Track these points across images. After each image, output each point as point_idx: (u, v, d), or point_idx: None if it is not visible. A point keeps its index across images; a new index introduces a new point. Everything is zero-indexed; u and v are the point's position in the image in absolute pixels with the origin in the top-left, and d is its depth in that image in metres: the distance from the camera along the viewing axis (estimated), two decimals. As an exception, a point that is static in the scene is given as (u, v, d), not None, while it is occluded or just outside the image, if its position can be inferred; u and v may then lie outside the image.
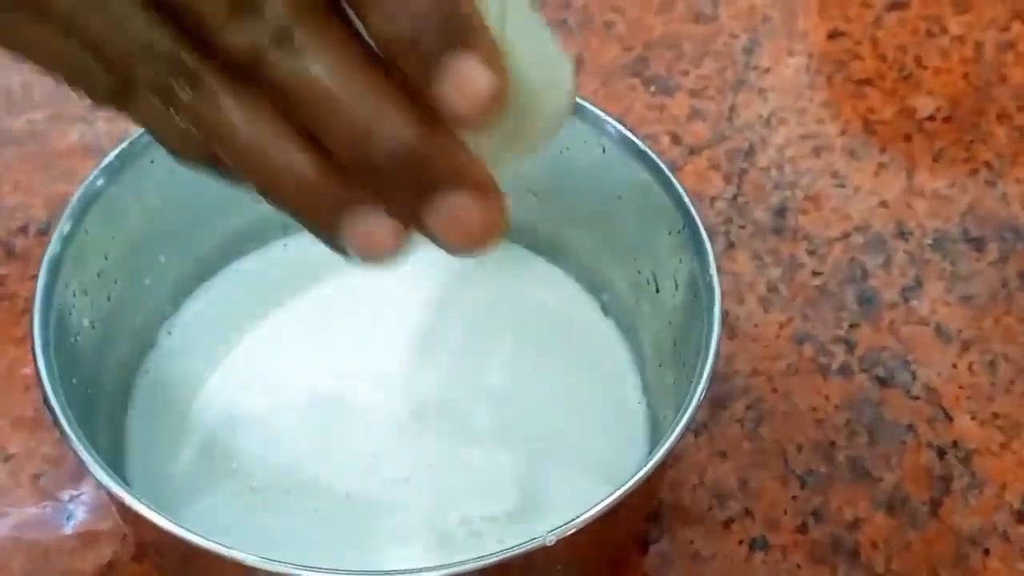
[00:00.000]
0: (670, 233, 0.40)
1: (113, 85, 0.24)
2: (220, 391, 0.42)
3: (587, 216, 0.45)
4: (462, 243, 0.27)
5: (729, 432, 0.45)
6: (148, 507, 0.32)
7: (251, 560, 0.31)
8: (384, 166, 0.25)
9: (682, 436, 0.36)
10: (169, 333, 0.44)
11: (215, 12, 0.23)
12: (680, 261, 0.40)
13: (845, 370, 0.47)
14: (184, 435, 0.41)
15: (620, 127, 0.42)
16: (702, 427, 0.45)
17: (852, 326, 0.48)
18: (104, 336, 0.40)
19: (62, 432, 0.33)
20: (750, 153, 0.54)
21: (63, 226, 0.37)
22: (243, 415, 0.41)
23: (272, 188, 0.25)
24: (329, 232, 0.26)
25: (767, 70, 0.58)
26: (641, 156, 0.41)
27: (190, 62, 0.24)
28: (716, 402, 0.45)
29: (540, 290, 0.46)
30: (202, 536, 0.31)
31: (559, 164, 0.44)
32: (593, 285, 0.46)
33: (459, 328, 0.45)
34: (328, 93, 0.24)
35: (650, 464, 0.35)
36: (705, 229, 0.50)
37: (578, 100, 0.42)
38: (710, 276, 0.38)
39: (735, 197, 0.53)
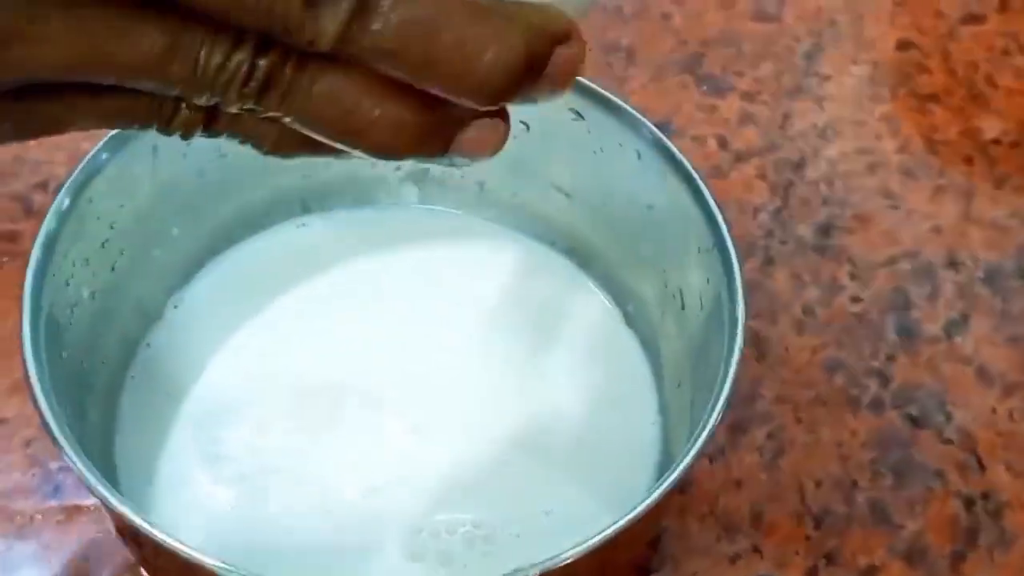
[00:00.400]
0: (699, 251, 0.38)
1: (195, 117, 0.23)
2: (219, 371, 0.41)
3: (617, 222, 0.43)
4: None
5: (746, 460, 0.42)
6: (118, 502, 0.31)
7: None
8: (504, 78, 0.23)
9: (691, 466, 0.34)
10: (175, 307, 0.43)
11: (291, 13, 0.21)
12: (707, 281, 0.38)
13: (876, 405, 0.44)
14: (177, 413, 0.40)
15: (657, 132, 0.39)
16: (719, 453, 0.42)
17: (889, 358, 0.46)
18: (105, 307, 0.39)
19: (41, 418, 0.32)
20: (800, 165, 0.52)
21: (61, 200, 0.35)
22: (237, 399, 0.40)
23: (385, 147, 0.24)
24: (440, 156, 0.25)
25: (828, 77, 0.55)
26: (676, 165, 0.39)
27: (277, 68, 0.22)
28: (736, 427, 0.43)
29: (563, 293, 0.44)
30: (171, 539, 0.30)
31: (593, 166, 0.42)
32: (619, 294, 0.44)
33: (473, 326, 0.43)
34: (427, 37, 0.23)
35: (654, 496, 0.33)
36: (744, 242, 0.48)
37: (616, 99, 0.40)
38: (736, 302, 0.36)
39: (779, 210, 0.50)
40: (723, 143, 0.52)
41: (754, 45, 0.56)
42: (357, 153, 0.25)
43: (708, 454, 0.42)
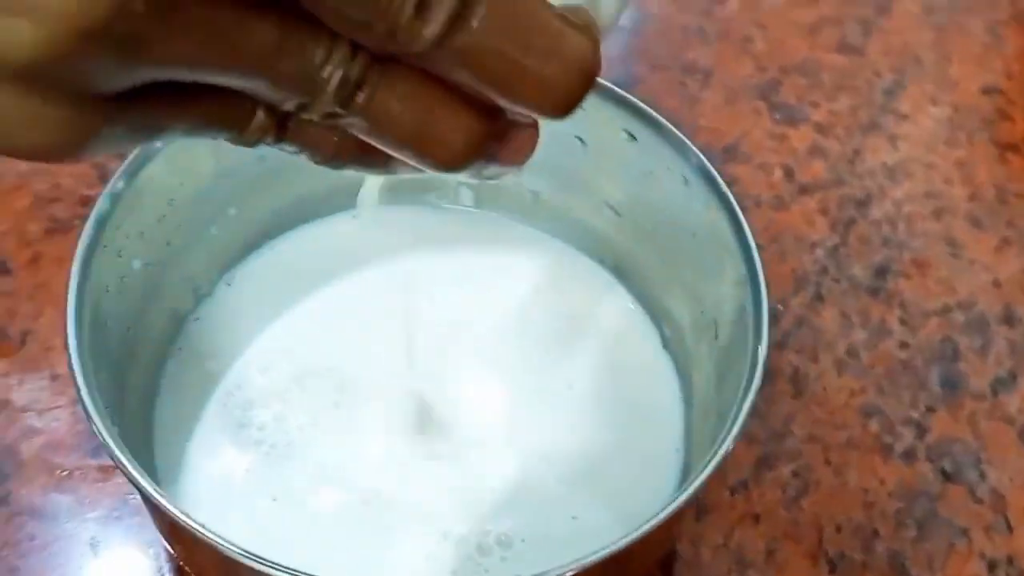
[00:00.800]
0: (735, 282, 0.38)
1: (269, 123, 0.23)
2: (261, 350, 0.42)
3: (662, 245, 0.43)
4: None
5: (768, 496, 0.42)
6: (156, 492, 0.32)
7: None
8: (582, 90, 0.24)
9: (702, 488, 0.34)
10: (228, 284, 0.44)
11: (401, 16, 0.21)
12: (739, 314, 0.38)
13: (909, 455, 0.44)
14: (216, 386, 0.41)
15: (703, 159, 0.39)
16: (741, 486, 0.42)
17: (929, 409, 0.45)
18: (157, 279, 0.41)
19: (78, 393, 0.33)
20: (865, 203, 0.51)
21: (116, 183, 0.37)
22: (273, 380, 0.41)
23: (449, 154, 0.24)
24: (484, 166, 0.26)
25: (905, 116, 0.54)
26: (719, 194, 0.39)
27: (368, 71, 0.23)
28: (763, 461, 0.43)
29: (602, 309, 0.45)
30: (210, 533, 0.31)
31: (643, 187, 0.42)
32: (659, 316, 0.44)
33: (512, 334, 0.43)
34: (517, 50, 0.23)
35: (661, 515, 0.33)
36: (796, 276, 0.48)
37: (666, 123, 0.40)
38: (760, 339, 0.36)
39: (837, 247, 0.50)
40: (789, 173, 0.52)
41: (834, 76, 0.56)
42: (412, 163, 0.25)
43: (730, 486, 0.42)
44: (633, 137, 0.41)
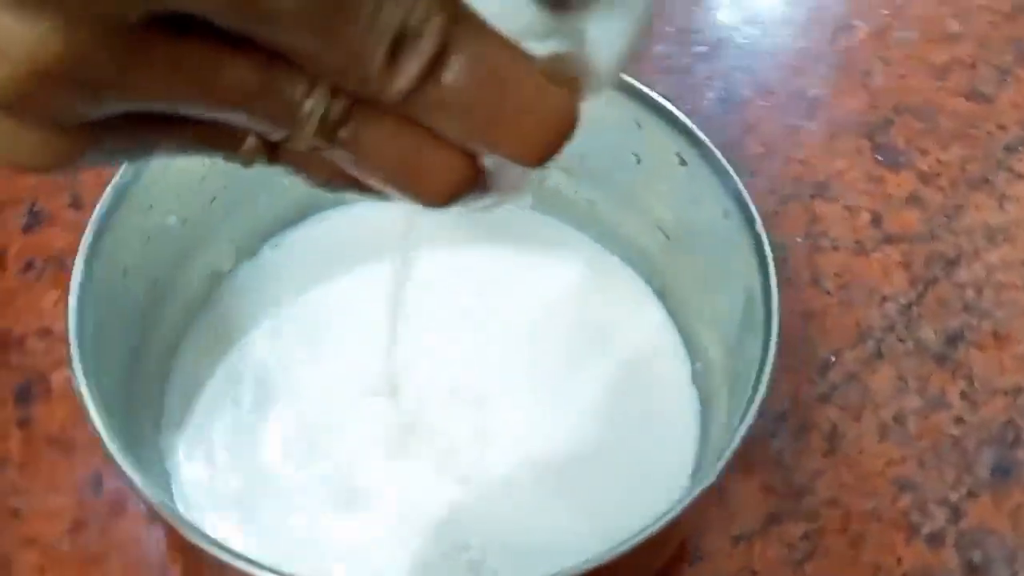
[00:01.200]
0: (755, 330, 0.36)
1: (260, 147, 0.24)
2: (290, 316, 0.43)
3: (705, 276, 0.41)
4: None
5: (771, 553, 0.40)
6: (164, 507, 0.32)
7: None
8: (558, 144, 0.24)
9: (675, 519, 0.32)
10: (274, 247, 0.45)
11: (370, 69, 0.22)
12: (748, 367, 0.36)
13: (936, 539, 0.41)
14: (242, 346, 0.42)
15: (743, 192, 0.38)
16: (745, 537, 0.40)
17: (971, 494, 0.42)
18: (196, 235, 0.41)
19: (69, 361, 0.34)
20: (954, 262, 0.48)
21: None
22: (292, 355, 0.42)
23: (436, 193, 0.25)
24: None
25: (1021, 176, 0.51)
26: (754, 236, 0.37)
27: (347, 112, 0.23)
28: (775, 516, 0.41)
29: (644, 334, 0.43)
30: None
31: (692, 214, 0.41)
32: (693, 348, 0.42)
33: (536, 334, 0.43)
34: (490, 104, 0.23)
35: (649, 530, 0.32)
36: (857, 330, 0.46)
37: (712, 148, 0.39)
38: (758, 389, 0.34)
39: (911, 306, 0.47)
40: (877, 220, 0.49)
41: (952, 123, 0.52)
42: (403, 198, 0.25)
43: (733, 535, 0.40)
44: (684, 161, 0.40)
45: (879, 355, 0.45)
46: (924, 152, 0.51)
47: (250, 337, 0.43)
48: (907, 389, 0.44)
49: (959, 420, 0.44)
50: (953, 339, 0.46)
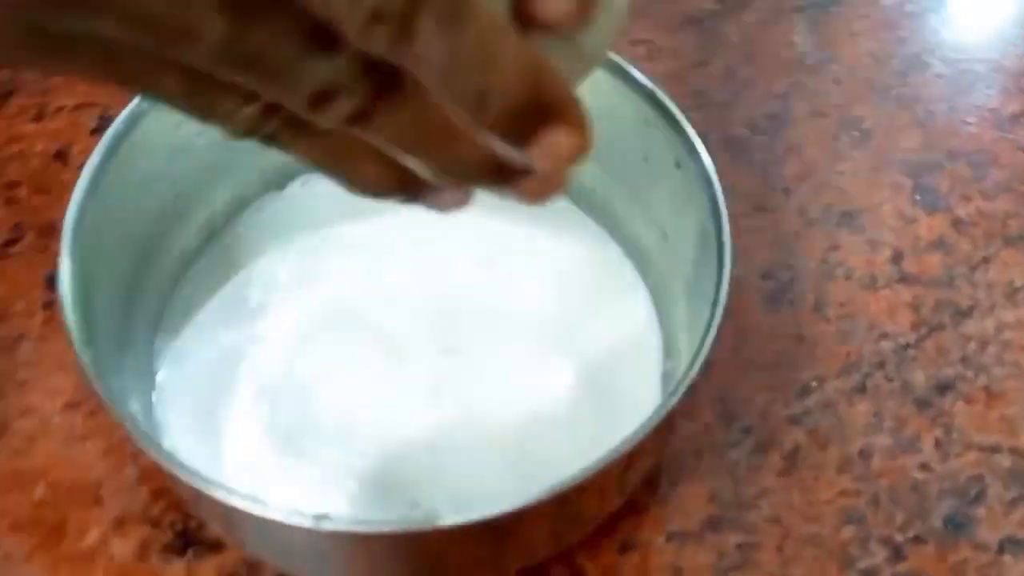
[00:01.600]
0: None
1: (254, 117, 0.26)
2: (305, 253, 0.46)
3: (692, 287, 0.42)
4: (556, 167, 0.27)
5: (701, 558, 0.41)
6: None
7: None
8: (507, 115, 0.26)
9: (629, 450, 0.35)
10: (302, 184, 0.47)
11: (354, 21, 0.23)
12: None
13: (869, 575, 0.41)
14: (238, 272, 0.45)
15: (721, 207, 0.38)
16: (678, 535, 0.41)
17: (916, 539, 0.42)
18: (224, 161, 0.44)
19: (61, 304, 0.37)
20: (964, 313, 0.47)
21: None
22: (292, 287, 0.45)
23: (462, 164, 0.28)
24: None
25: (1060, 240, 0.49)
26: (720, 254, 0.38)
27: (337, 78, 0.25)
28: (713, 522, 0.42)
29: (632, 323, 0.45)
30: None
31: (689, 218, 0.42)
32: (668, 346, 0.44)
33: (526, 313, 0.44)
34: (467, 60, 0.25)
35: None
36: (846, 362, 0.46)
37: (705, 157, 0.40)
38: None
39: (907, 347, 0.46)
40: (897, 258, 0.49)
41: (1005, 176, 0.51)
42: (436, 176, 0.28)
43: (668, 531, 0.41)
44: (678, 165, 0.41)
45: (862, 389, 0.45)
46: (967, 199, 0.51)
47: (259, 264, 0.46)
48: (880, 427, 0.44)
49: (925, 466, 0.44)
50: (943, 387, 0.45)
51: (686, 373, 0.36)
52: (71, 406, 0.43)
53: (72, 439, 0.43)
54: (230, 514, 0.35)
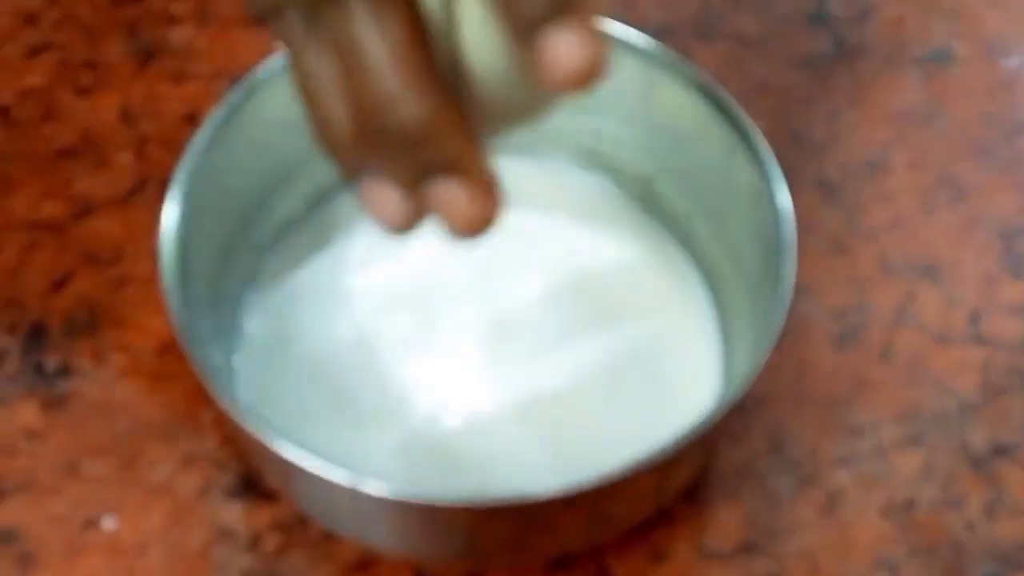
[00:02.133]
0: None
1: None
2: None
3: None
4: (453, 227, 0.29)
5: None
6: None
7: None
8: (394, 136, 0.28)
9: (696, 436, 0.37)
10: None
11: None
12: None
13: (893, 622, 0.41)
14: (332, 244, 0.48)
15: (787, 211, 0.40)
16: (712, 555, 0.42)
17: (948, 595, 0.42)
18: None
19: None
20: (1034, 382, 0.47)
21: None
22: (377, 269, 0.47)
23: (317, 129, 0.29)
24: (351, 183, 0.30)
25: None
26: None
27: None
28: (745, 546, 0.43)
29: (684, 324, 0.46)
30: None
31: (746, 248, 0.43)
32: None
33: (575, 303, 0.46)
34: (363, 55, 0.27)
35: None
36: (909, 410, 0.46)
37: (771, 185, 0.41)
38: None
39: (970, 406, 0.46)
40: (975, 319, 0.49)
41: (1099, 251, 0.51)
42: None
43: (702, 549, 0.42)
44: (758, 196, 0.42)
45: (917, 441, 0.46)
46: (1057, 270, 0.50)
47: (353, 239, 0.48)
48: (931, 480, 0.45)
49: (970, 526, 0.44)
50: (1000, 451, 0.45)
51: (730, 396, 0.37)
52: (163, 348, 0.47)
53: (159, 378, 0.46)
54: (279, 466, 0.38)
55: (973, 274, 0.50)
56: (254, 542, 0.42)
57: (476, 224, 0.29)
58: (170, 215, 0.40)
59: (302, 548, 0.42)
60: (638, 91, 0.46)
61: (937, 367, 0.47)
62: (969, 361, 0.48)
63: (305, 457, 0.36)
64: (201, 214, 0.42)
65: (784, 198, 0.41)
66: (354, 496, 0.37)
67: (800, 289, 0.49)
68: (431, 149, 0.28)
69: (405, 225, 0.30)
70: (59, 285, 0.49)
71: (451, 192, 0.28)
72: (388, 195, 0.29)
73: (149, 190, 0.52)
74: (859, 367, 0.47)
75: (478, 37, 0.28)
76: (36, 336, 0.47)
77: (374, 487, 0.36)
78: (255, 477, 0.43)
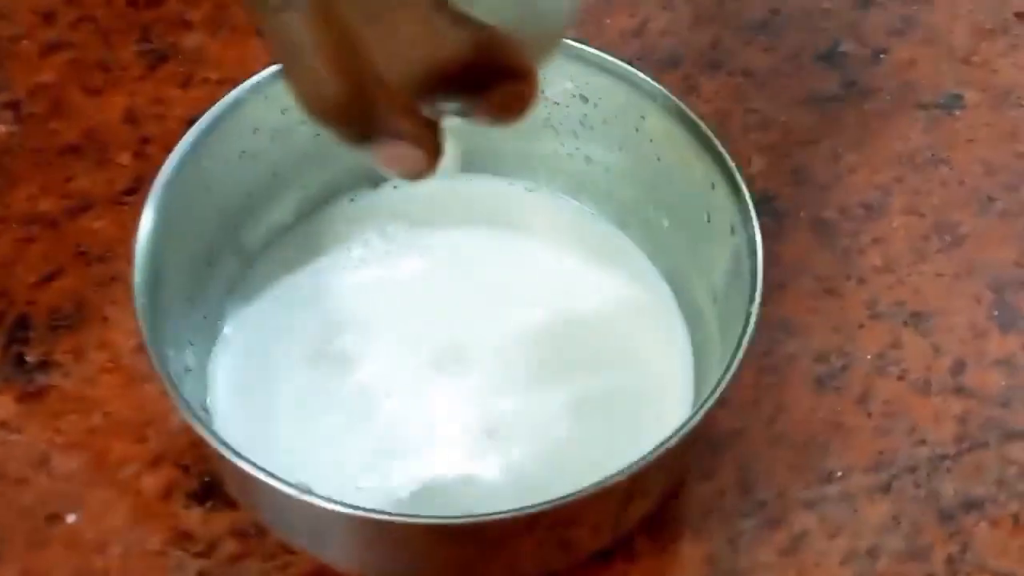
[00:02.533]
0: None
1: None
2: (392, 248, 0.49)
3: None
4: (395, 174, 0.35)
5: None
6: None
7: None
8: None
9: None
10: (395, 187, 0.50)
11: None
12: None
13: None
14: (320, 255, 0.48)
15: (757, 286, 0.39)
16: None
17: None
18: (322, 150, 0.46)
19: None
20: (1012, 437, 0.46)
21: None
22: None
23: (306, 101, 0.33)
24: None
25: None
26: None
27: None
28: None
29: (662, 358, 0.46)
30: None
31: (727, 285, 0.43)
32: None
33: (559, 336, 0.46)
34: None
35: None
36: (881, 458, 0.46)
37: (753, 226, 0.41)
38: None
39: (945, 458, 0.46)
40: (959, 368, 0.48)
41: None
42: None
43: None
44: (732, 231, 0.42)
45: (886, 489, 0.45)
46: (1047, 324, 0.50)
47: (341, 251, 0.48)
48: (896, 531, 0.44)
49: (931, 579, 0.43)
50: (970, 505, 0.45)
51: (684, 423, 0.37)
52: (142, 349, 0.47)
53: (135, 379, 0.47)
54: (235, 474, 0.38)
55: (961, 324, 0.50)
56: (211, 547, 0.43)
57: (411, 175, 0.35)
58: (147, 219, 0.41)
59: (258, 557, 0.42)
60: (629, 120, 0.46)
61: (913, 416, 0.47)
62: (948, 412, 0.47)
63: (256, 467, 0.37)
64: (182, 219, 0.42)
65: (755, 235, 0.41)
66: (305, 508, 0.37)
67: (785, 329, 0.49)
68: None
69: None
70: (48, 279, 0.49)
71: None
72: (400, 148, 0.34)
73: (145, 191, 0.52)
74: (836, 411, 0.47)
75: None
76: (21, 328, 0.48)
77: (325, 501, 0.36)
78: (218, 483, 0.44)
